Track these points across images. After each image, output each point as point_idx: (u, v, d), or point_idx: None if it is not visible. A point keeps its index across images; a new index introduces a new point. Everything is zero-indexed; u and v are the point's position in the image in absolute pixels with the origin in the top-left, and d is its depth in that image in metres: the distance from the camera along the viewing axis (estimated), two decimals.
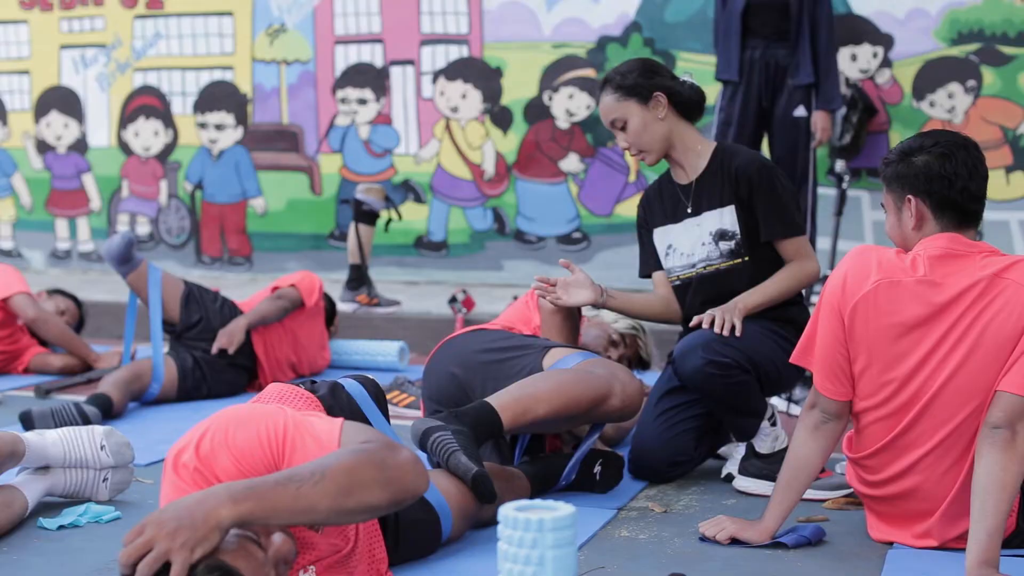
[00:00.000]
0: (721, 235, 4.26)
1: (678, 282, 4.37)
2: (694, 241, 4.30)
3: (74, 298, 6.78)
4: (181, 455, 2.63)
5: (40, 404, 5.09)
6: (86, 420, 4.95)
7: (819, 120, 6.98)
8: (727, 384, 4.02)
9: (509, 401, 3.74)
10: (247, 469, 2.57)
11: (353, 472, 2.49)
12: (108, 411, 5.20)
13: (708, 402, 4.18)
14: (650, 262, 4.50)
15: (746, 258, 4.24)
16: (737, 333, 4.04)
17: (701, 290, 4.30)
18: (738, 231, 4.24)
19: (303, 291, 6.08)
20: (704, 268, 4.28)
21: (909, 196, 3.46)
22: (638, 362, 5.06)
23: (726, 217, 4.25)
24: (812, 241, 7.00)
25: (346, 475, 2.48)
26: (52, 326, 6.24)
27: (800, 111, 6.94)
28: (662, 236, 4.41)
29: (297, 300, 6.04)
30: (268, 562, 2.45)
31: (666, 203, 4.40)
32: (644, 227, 4.49)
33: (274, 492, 2.43)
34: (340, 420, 2.72)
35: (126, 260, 5.68)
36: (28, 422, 4.82)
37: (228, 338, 5.76)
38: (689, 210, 4.32)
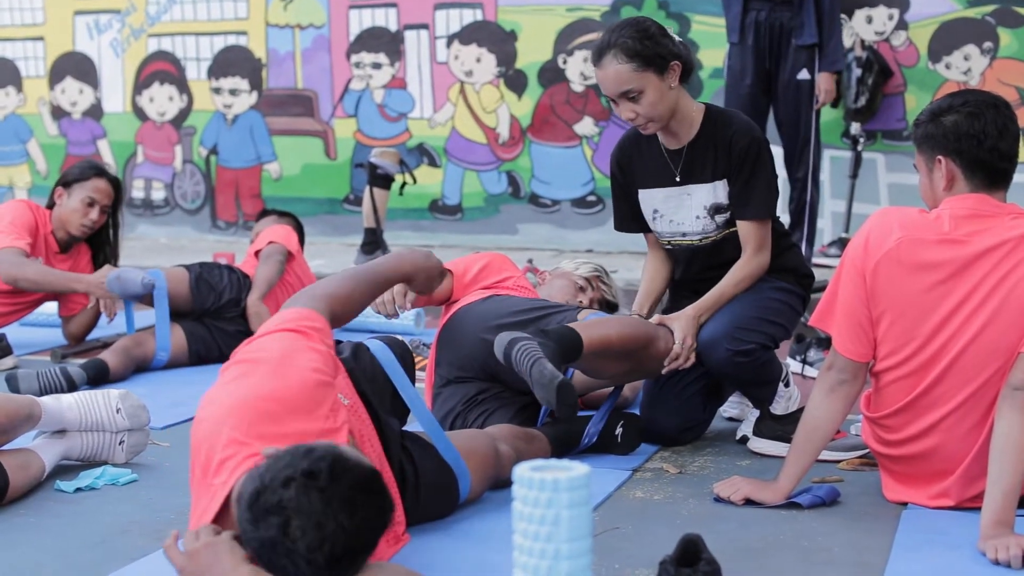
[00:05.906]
0: (716, 209, 4.17)
1: (669, 247, 4.32)
2: (684, 212, 4.21)
3: None
4: None
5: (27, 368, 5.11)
6: (71, 382, 4.97)
7: (822, 82, 6.94)
8: (755, 366, 4.02)
9: (585, 326, 3.75)
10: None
11: None
12: (104, 375, 5.21)
13: (732, 383, 4.19)
14: (629, 219, 4.38)
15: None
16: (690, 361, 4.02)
17: (697, 258, 4.27)
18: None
19: (283, 241, 6.10)
20: (701, 240, 4.23)
21: (939, 157, 3.43)
22: (605, 305, 4.94)
23: (720, 191, 4.16)
24: (813, 204, 7.00)
25: None
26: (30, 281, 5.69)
27: (803, 74, 6.90)
28: (648, 198, 4.28)
29: (284, 250, 6.06)
30: None
31: (648, 164, 4.25)
32: (623, 184, 4.34)
33: None
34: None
35: (138, 298, 5.64)
36: (13, 384, 4.83)
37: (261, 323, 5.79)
38: (677, 179, 4.20)
